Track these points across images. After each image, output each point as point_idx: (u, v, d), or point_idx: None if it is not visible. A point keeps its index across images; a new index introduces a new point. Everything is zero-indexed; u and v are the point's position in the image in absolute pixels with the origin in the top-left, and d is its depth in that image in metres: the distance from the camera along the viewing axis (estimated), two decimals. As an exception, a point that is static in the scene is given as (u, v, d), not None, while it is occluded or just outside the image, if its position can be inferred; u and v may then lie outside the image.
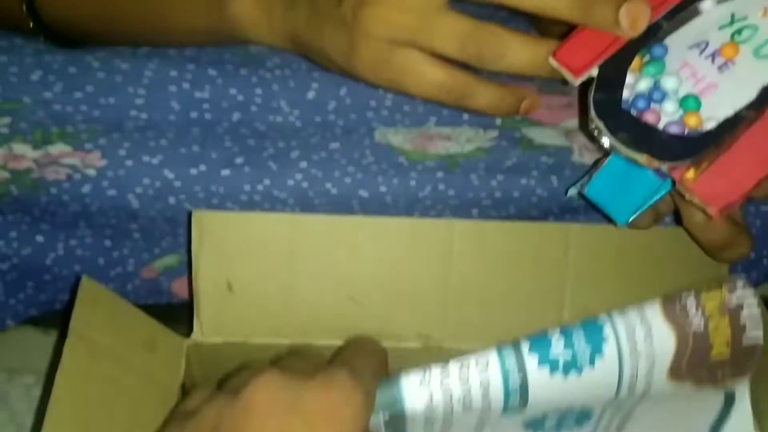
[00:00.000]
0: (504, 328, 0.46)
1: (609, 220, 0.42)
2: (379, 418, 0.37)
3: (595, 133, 0.38)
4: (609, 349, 0.37)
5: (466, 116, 0.50)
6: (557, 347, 0.37)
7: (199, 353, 0.45)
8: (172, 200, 0.48)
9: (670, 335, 0.38)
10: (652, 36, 0.38)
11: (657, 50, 0.39)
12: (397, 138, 0.49)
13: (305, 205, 0.48)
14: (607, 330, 0.38)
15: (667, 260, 0.45)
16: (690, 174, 0.36)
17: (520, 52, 0.40)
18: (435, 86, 0.43)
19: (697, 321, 0.38)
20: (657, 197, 0.40)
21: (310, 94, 0.49)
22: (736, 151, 0.36)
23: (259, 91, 0.48)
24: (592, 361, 0.37)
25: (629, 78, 0.38)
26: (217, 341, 0.45)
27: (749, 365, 0.39)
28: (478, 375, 0.37)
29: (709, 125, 0.37)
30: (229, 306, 0.44)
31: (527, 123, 0.49)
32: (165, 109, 0.48)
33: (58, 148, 0.47)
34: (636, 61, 0.38)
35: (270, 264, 0.44)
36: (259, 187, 0.48)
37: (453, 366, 0.37)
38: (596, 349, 0.37)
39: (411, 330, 0.45)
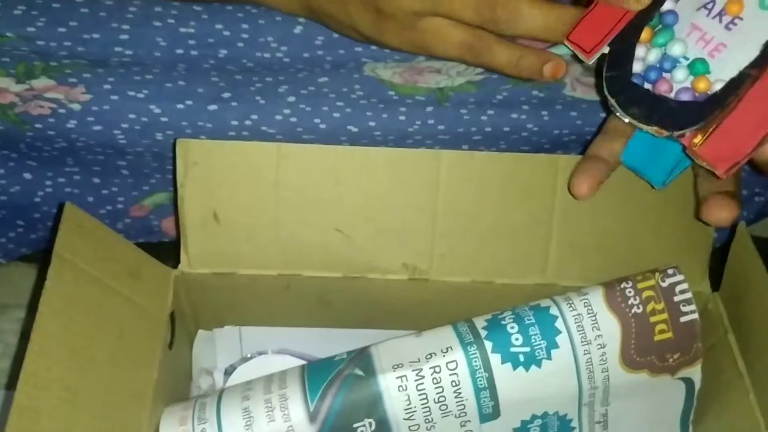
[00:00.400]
0: (491, 261, 0.46)
1: (650, 184, 0.43)
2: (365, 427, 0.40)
3: (612, 109, 0.39)
4: (563, 341, 0.41)
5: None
6: (516, 343, 0.41)
7: (186, 284, 0.45)
8: (159, 136, 0.48)
9: (614, 321, 0.41)
10: (659, 5, 0.39)
11: (668, 18, 0.38)
12: (386, 72, 0.49)
13: (293, 139, 0.48)
14: (559, 323, 0.41)
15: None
16: (698, 139, 0.37)
17: (533, 16, 0.41)
18: (457, 46, 0.44)
19: (636, 305, 0.42)
20: (689, 161, 0.41)
21: (298, 29, 0.48)
22: (740, 110, 0.36)
23: (245, 26, 0.48)
24: (549, 354, 0.41)
25: (641, 51, 0.38)
26: (204, 272, 0.45)
27: (693, 345, 0.42)
28: (449, 376, 0.40)
29: (717, 87, 0.37)
30: (215, 237, 0.44)
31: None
32: (150, 45, 0.47)
33: (41, 82, 0.46)
34: (646, 33, 0.38)
35: (256, 194, 0.44)
36: (247, 122, 0.47)
37: (426, 370, 0.40)
38: (551, 343, 0.41)
39: (398, 262, 0.45)
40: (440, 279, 0.46)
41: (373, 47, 0.49)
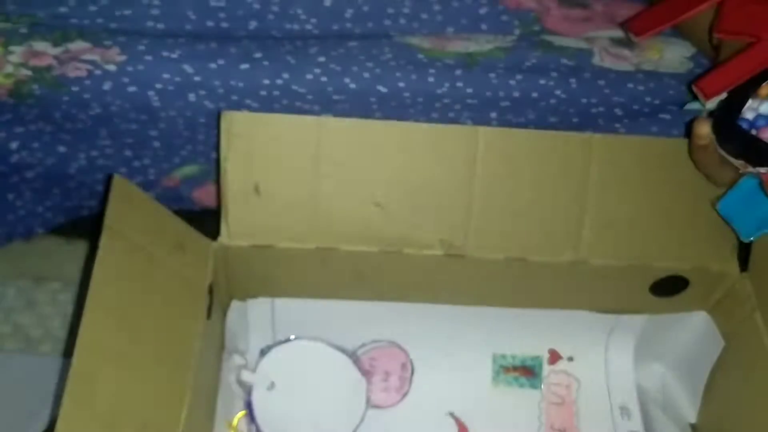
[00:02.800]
0: (525, 238, 0.47)
1: (737, 235, 0.46)
2: None
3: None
4: None
5: (484, 25, 0.50)
6: None
7: (226, 255, 0.46)
8: (191, 97, 0.48)
9: None
10: None
11: None
12: (414, 38, 0.50)
13: (324, 100, 0.48)
14: None
15: (687, 170, 0.46)
16: None
17: None
18: None
19: None
20: None
21: (327, 2, 0.49)
22: None
23: None
24: None
25: (756, 103, 0.42)
26: (243, 244, 0.46)
27: None
28: None
29: None
30: (255, 209, 0.45)
31: (547, 32, 0.50)
32: (181, 19, 0.48)
33: (77, 45, 0.46)
34: (766, 89, 0.42)
35: (296, 167, 0.44)
36: (278, 82, 0.47)
37: None
38: None
39: (433, 237, 0.46)
40: (475, 255, 0.47)
41: (402, 20, 0.49)
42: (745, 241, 0.46)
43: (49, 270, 0.55)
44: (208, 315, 0.45)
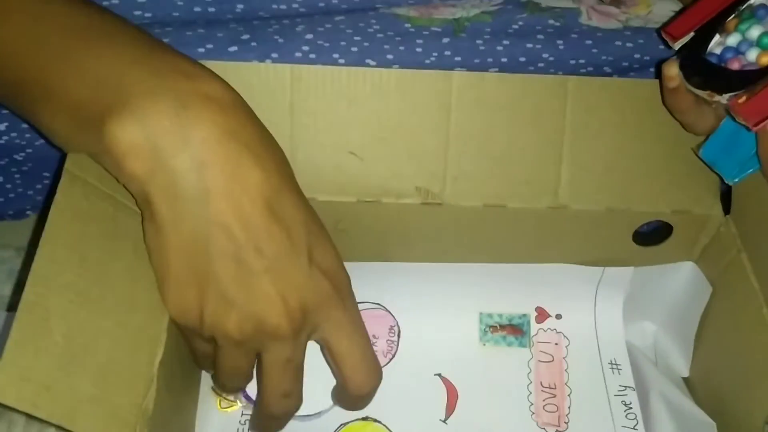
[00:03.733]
0: (503, 184, 0.47)
1: (721, 178, 0.47)
2: None
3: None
4: None
5: (470, -7, 0.50)
6: None
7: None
8: None
9: None
10: (746, 1, 0.43)
11: (759, 11, 0.43)
12: (401, 9, 0.50)
13: None
14: None
15: (667, 112, 0.46)
16: (742, 100, 0.40)
17: None
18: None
19: None
20: (758, 163, 0.43)
21: None
22: None
23: None
24: None
25: (724, 36, 0.43)
26: (221, 197, 0.46)
27: None
28: None
29: None
30: (231, 160, 0.45)
31: (534, -6, 0.50)
32: (168, 6, 0.48)
33: None
34: (733, 22, 0.43)
35: (272, 116, 0.43)
36: (267, 61, 0.48)
37: None
38: None
39: (410, 186, 0.46)
40: (453, 203, 0.46)
41: None
42: (730, 183, 0.46)
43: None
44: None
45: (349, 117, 0.45)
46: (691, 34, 0.44)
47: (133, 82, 0.36)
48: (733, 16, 0.43)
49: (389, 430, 0.49)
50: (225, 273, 0.37)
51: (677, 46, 0.44)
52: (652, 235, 0.49)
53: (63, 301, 0.36)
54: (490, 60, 0.50)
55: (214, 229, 0.36)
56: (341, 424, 0.49)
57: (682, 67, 0.43)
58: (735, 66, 0.42)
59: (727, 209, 0.48)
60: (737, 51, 0.42)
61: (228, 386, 0.44)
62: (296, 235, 0.38)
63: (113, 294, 0.38)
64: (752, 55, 0.41)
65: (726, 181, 0.46)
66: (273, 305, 0.38)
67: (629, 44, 0.51)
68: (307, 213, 0.40)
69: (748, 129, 0.40)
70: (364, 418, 0.50)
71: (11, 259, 0.55)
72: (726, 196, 0.48)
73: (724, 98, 0.41)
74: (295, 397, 0.42)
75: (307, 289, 0.38)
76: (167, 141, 0.36)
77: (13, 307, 0.53)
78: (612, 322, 0.55)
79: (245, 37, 0.48)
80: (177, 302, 0.38)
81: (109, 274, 0.39)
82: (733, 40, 0.42)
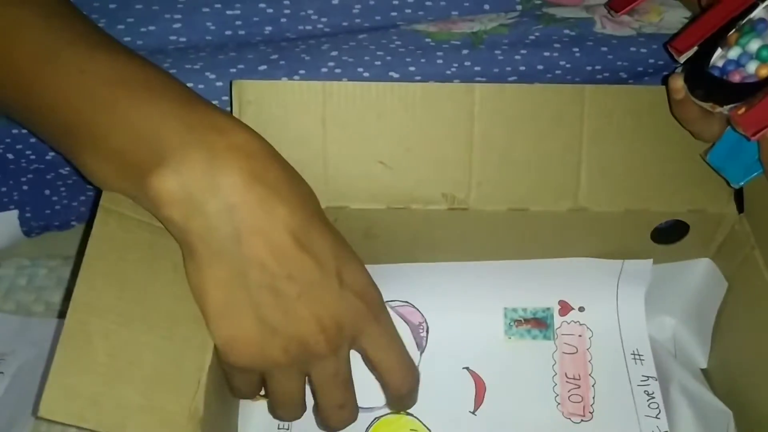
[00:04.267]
0: (525, 189, 0.49)
1: (727, 183, 0.49)
2: None
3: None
4: None
5: (487, 5, 0.52)
6: None
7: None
8: (215, 103, 0.51)
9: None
10: (746, 16, 0.44)
11: (759, 25, 0.44)
12: (421, 25, 0.52)
13: None
14: None
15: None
16: (741, 111, 0.42)
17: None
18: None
19: None
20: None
21: (335, 0, 0.51)
22: None
23: (287, 2, 0.51)
24: None
25: (726, 50, 0.45)
26: (259, 207, 0.48)
27: None
28: None
29: None
30: (268, 173, 0.48)
31: (548, 5, 0.52)
32: (201, 30, 0.51)
33: None
34: (734, 35, 0.45)
35: (305, 131, 0.47)
36: (295, 77, 0.51)
37: None
38: None
39: (437, 192, 0.49)
40: (478, 208, 0.49)
41: (407, 10, 0.52)
42: (735, 187, 0.48)
43: (76, 249, 0.58)
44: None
45: (378, 129, 0.47)
46: (695, 48, 0.46)
47: (170, 135, 0.40)
48: (734, 30, 0.44)
49: (421, 422, 0.52)
50: (264, 302, 0.40)
51: (682, 59, 0.46)
52: (670, 233, 0.51)
53: (105, 323, 0.39)
54: (508, 69, 0.52)
55: (249, 264, 0.40)
56: (376, 418, 0.52)
57: (686, 80, 0.45)
58: (736, 78, 0.43)
59: (740, 208, 0.50)
60: (738, 64, 0.44)
61: (286, 416, 0.47)
62: (325, 260, 0.41)
63: (156, 311, 0.41)
64: (752, 67, 0.43)
65: (731, 185, 0.48)
66: (310, 326, 0.41)
67: (643, 50, 0.53)
68: (335, 240, 0.43)
69: (747, 138, 0.41)
70: (397, 411, 0.52)
71: (59, 267, 0.58)
72: (739, 196, 0.50)
73: (725, 109, 0.43)
74: (349, 406, 0.46)
75: (339, 308, 0.42)
76: (200, 189, 0.39)
77: (63, 314, 0.56)
78: (634, 313, 0.56)
79: (274, 56, 0.51)
80: (223, 335, 0.41)
81: (150, 294, 0.41)
82: (734, 53, 0.44)
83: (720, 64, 0.44)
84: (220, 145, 0.40)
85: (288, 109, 0.47)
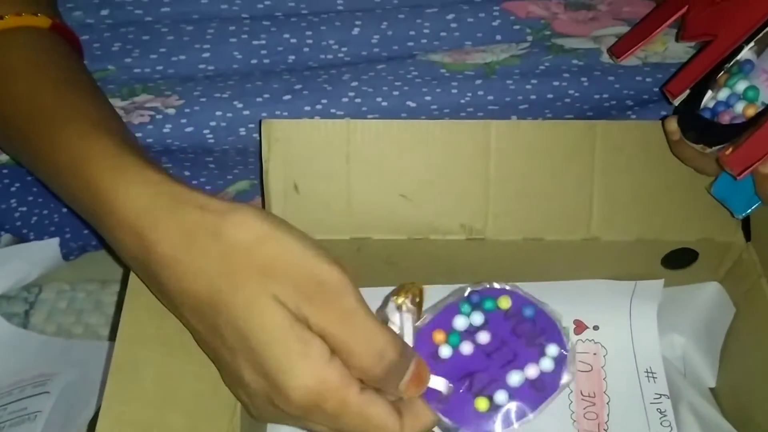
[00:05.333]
0: (540, 220, 0.51)
1: (730, 212, 0.51)
2: None
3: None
4: None
5: (499, 36, 0.54)
6: None
7: (271, 249, 0.51)
8: (242, 131, 0.54)
9: None
10: (733, 58, 0.47)
11: (745, 66, 0.47)
12: (436, 55, 0.55)
13: (359, 118, 0.53)
14: None
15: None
16: (728, 151, 0.44)
17: None
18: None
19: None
20: None
21: (355, 31, 0.54)
22: (763, 128, 0.43)
23: (309, 32, 0.54)
24: None
25: (716, 92, 0.47)
26: (286, 238, 0.51)
27: None
28: None
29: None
30: (295, 205, 0.50)
31: (557, 35, 0.54)
32: (229, 59, 0.54)
33: (142, 97, 0.53)
34: (723, 77, 0.47)
35: (330, 166, 0.50)
36: (318, 107, 0.54)
37: None
38: None
39: (456, 223, 0.51)
40: (495, 238, 0.51)
41: (423, 40, 0.54)
42: (738, 218, 0.50)
43: (112, 273, 0.60)
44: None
45: (399, 164, 0.50)
46: (687, 91, 0.48)
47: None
48: (723, 71, 0.47)
49: (442, 439, 0.55)
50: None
51: (676, 102, 0.49)
52: (680, 259, 0.53)
53: (150, 353, 0.42)
54: (520, 98, 0.54)
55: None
56: None
57: (679, 122, 0.47)
58: (725, 119, 0.45)
59: (748, 236, 0.52)
60: (727, 104, 0.46)
61: None
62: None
63: (193, 341, 0.43)
64: (740, 107, 0.45)
65: (735, 216, 0.50)
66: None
67: (649, 79, 0.55)
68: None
69: (734, 178, 0.43)
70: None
71: (97, 291, 0.61)
72: (747, 224, 0.52)
73: (713, 150, 0.45)
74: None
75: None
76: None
77: (102, 335, 0.59)
78: (647, 332, 0.58)
79: (298, 86, 0.54)
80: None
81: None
82: (723, 94, 0.46)
83: (711, 105, 0.47)
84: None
85: (314, 145, 0.49)
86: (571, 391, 0.57)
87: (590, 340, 0.59)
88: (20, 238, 0.61)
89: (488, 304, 0.45)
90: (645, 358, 0.58)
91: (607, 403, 0.56)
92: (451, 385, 0.43)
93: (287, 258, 0.39)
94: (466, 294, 0.47)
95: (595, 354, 0.58)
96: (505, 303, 0.45)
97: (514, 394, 0.44)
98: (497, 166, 0.50)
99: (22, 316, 0.61)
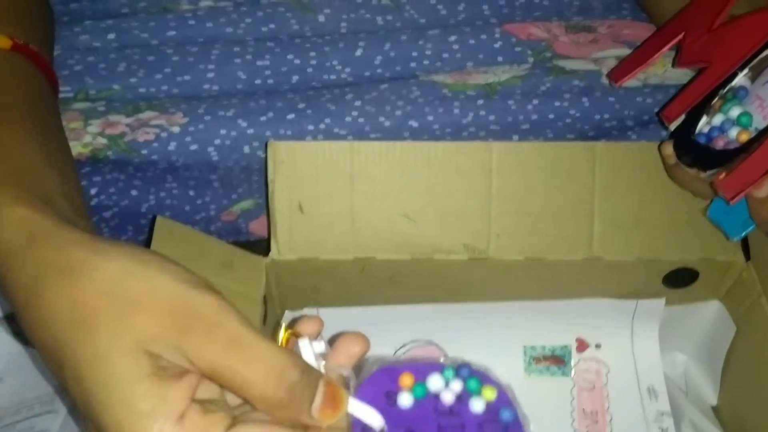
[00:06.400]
0: (542, 240, 0.52)
1: (726, 237, 0.51)
2: None
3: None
4: None
5: (500, 58, 0.55)
6: None
7: (276, 269, 0.52)
8: (246, 149, 0.55)
9: None
10: (728, 84, 0.48)
11: (739, 92, 0.47)
12: (438, 76, 0.55)
13: (362, 138, 0.55)
14: None
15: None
16: (722, 176, 0.45)
17: None
18: None
19: None
20: None
21: (359, 52, 0.55)
22: (756, 154, 0.44)
23: (313, 53, 0.55)
24: None
25: (710, 117, 0.48)
26: (291, 258, 0.52)
27: None
28: None
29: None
30: (300, 226, 0.51)
31: (558, 57, 0.55)
32: (233, 80, 0.55)
33: (147, 114, 0.54)
34: (718, 103, 0.48)
35: (334, 187, 0.50)
36: (321, 126, 0.54)
37: None
38: None
39: (458, 243, 0.52)
40: (497, 257, 0.52)
41: (425, 61, 0.55)
42: (734, 241, 0.51)
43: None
44: (263, 323, 0.51)
45: (402, 185, 0.51)
46: (683, 116, 0.49)
47: None
48: (717, 97, 0.47)
49: (445, 457, 0.55)
50: None
51: (672, 127, 0.49)
52: (680, 278, 0.54)
53: None
54: (521, 117, 0.55)
55: None
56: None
57: (675, 147, 0.48)
58: (720, 144, 0.46)
59: (748, 256, 0.53)
60: (721, 130, 0.46)
61: None
62: None
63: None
64: (734, 133, 0.46)
65: (729, 239, 0.50)
66: None
67: (648, 100, 0.56)
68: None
69: (727, 203, 0.44)
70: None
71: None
72: (746, 244, 0.53)
73: (707, 175, 0.46)
74: None
75: None
76: None
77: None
78: (649, 350, 0.59)
79: (301, 105, 0.54)
80: None
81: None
82: (717, 120, 0.47)
83: (705, 130, 0.47)
84: None
85: (318, 167, 0.50)
86: (574, 409, 0.57)
87: (592, 359, 0.59)
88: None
89: (473, 385, 0.39)
90: (647, 376, 0.58)
91: (610, 421, 0.57)
92: (384, 425, 0.37)
93: (158, 292, 0.33)
94: (458, 363, 0.40)
95: (597, 372, 0.59)
96: (490, 394, 0.39)
97: None
98: (499, 186, 0.51)
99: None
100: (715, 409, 0.57)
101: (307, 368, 0.35)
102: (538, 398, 0.58)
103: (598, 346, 0.59)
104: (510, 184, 0.51)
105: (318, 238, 0.51)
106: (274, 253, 0.52)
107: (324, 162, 0.50)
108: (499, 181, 0.51)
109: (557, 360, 0.59)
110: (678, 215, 0.52)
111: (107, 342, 0.32)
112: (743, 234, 0.49)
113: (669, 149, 0.48)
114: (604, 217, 0.51)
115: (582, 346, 0.60)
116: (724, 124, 0.46)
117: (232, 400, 0.35)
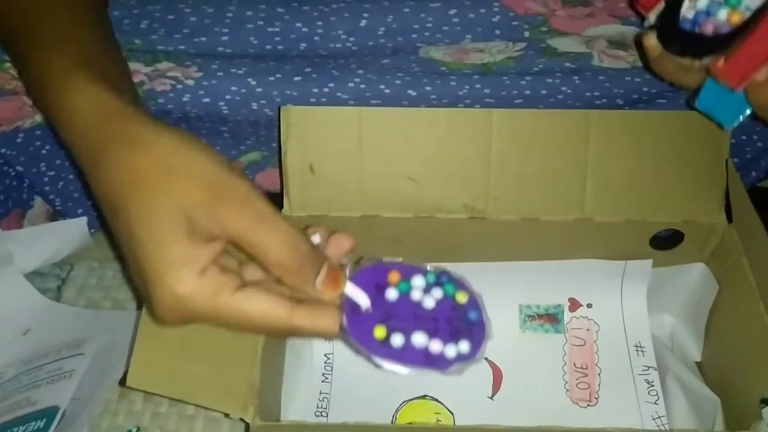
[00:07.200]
0: (537, 201, 0.55)
1: (719, 126, 0.50)
2: None
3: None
4: None
5: (498, 31, 0.58)
6: None
7: (288, 225, 0.56)
8: (254, 105, 0.58)
9: None
10: None
11: None
12: (437, 53, 0.59)
13: (363, 104, 0.58)
14: None
15: (678, 140, 0.54)
16: (720, 63, 0.44)
17: None
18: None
19: None
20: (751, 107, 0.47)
21: (363, 22, 0.58)
22: (756, 35, 0.43)
23: (320, 23, 0.58)
24: None
25: (695, 0, 0.45)
26: (302, 215, 0.55)
27: None
28: None
29: (746, 17, 0.44)
30: (311, 185, 0.55)
31: (552, 34, 0.58)
32: (245, 44, 0.58)
33: (164, 65, 0.58)
34: None
35: (343, 149, 0.54)
36: (325, 90, 0.58)
37: None
38: None
39: (459, 203, 0.55)
40: (495, 217, 0.55)
41: (426, 33, 0.58)
42: (728, 129, 0.49)
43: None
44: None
45: (407, 148, 0.54)
46: (662, 3, 0.45)
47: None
48: None
49: (444, 405, 0.58)
50: None
51: (651, 16, 0.46)
52: (667, 240, 0.57)
53: (169, 347, 0.45)
54: (515, 92, 0.58)
55: None
56: (403, 401, 0.58)
57: (659, 37, 0.46)
58: (708, 29, 0.44)
59: (730, 218, 0.56)
60: (708, 13, 0.44)
61: None
62: None
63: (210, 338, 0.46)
64: (722, 15, 0.43)
65: (724, 128, 0.49)
66: None
67: (638, 79, 0.59)
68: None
69: (731, 90, 0.42)
70: (423, 396, 0.59)
71: (124, 269, 0.65)
72: (729, 207, 0.56)
73: (703, 63, 0.44)
74: None
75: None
76: None
77: (128, 307, 0.64)
78: (637, 309, 0.62)
79: (307, 70, 0.58)
80: None
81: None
82: (702, 3, 0.44)
83: (690, 15, 0.44)
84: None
85: (329, 131, 0.53)
86: (565, 363, 0.61)
87: (584, 317, 0.62)
88: (50, 206, 0.65)
89: (449, 289, 0.45)
90: (635, 333, 0.62)
91: (599, 375, 0.60)
92: (369, 307, 0.43)
93: (201, 167, 0.40)
94: (440, 270, 0.46)
95: (588, 330, 0.62)
96: (462, 297, 0.45)
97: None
98: (498, 151, 0.54)
99: (55, 291, 0.65)
100: (699, 364, 0.61)
101: (316, 247, 0.42)
102: (533, 353, 0.61)
103: (589, 305, 0.62)
104: (508, 148, 0.54)
105: (327, 196, 0.55)
106: (286, 209, 0.55)
107: (334, 126, 0.54)
108: (498, 146, 0.54)
109: (551, 318, 0.63)
110: (665, 180, 0.55)
111: (155, 202, 0.39)
112: (738, 120, 0.47)
113: (653, 40, 0.45)
114: (595, 180, 0.54)
115: (574, 305, 0.63)
116: (710, 6, 0.43)
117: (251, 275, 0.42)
